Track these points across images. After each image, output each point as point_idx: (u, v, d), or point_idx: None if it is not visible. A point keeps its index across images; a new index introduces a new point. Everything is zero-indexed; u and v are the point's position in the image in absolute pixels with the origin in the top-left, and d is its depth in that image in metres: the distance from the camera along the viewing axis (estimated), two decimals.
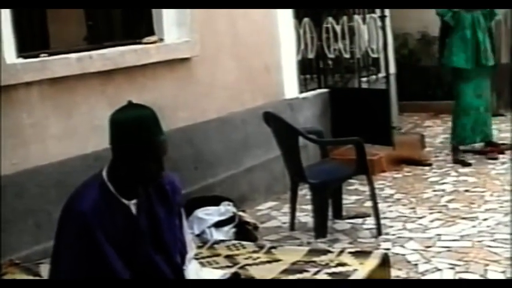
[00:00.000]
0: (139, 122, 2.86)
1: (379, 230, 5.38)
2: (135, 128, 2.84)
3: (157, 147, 2.87)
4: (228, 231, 5.10)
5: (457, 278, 4.48)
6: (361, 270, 3.69)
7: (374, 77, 8.40)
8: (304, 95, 7.25)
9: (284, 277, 3.64)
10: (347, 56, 7.98)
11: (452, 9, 7.22)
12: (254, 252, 4.09)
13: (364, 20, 8.07)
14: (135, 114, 2.89)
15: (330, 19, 7.71)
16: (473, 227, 5.42)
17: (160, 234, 3.03)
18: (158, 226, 3.03)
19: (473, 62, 7.32)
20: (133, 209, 2.97)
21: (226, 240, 4.55)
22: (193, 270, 3.23)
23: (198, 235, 4.95)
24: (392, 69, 8.75)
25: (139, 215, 2.97)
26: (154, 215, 3.02)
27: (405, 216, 5.81)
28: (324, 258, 3.90)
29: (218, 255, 4.06)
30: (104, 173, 2.96)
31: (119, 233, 2.89)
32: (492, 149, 7.65)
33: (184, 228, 3.26)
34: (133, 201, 2.97)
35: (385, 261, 3.87)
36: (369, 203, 5.73)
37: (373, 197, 5.45)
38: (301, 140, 5.48)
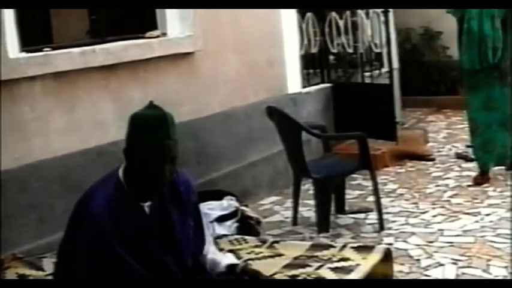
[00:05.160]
0: (146, 121, 2.86)
1: (381, 225, 5.39)
2: (141, 127, 2.85)
3: (161, 150, 2.84)
4: (231, 225, 5.10)
5: (459, 273, 4.47)
6: (363, 265, 3.69)
7: (377, 71, 8.38)
8: (307, 89, 7.25)
9: (287, 272, 3.64)
10: (350, 50, 7.98)
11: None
12: (257, 246, 4.09)
13: (367, 14, 8.05)
14: (145, 114, 2.89)
15: (333, 14, 7.70)
16: (476, 222, 5.42)
17: (173, 236, 3.02)
18: (171, 228, 3.01)
19: (479, 61, 6.21)
20: (147, 210, 2.96)
21: (228, 235, 4.54)
22: (211, 252, 3.25)
23: None
24: (395, 64, 8.72)
25: (153, 217, 2.97)
26: (167, 217, 3.01)
27: (408, 211, 5.80)
28: (326, 253, 3.90)
29: (221, 249, 4.04)
30: (120, 173, 2.94)
31: (131, 233, 2.88)
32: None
33: (203, 224, 3.25)
34: (148, 202, 2.96)
35: (387, 256, 3.87)
36: (371, 198, 5.73)
37: (375, 191, 5.45)
38: (304, 134, 5.47)
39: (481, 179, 6.42)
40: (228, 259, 3.32)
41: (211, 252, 3.28)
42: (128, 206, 2.90)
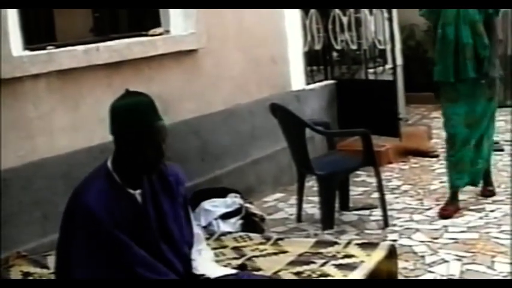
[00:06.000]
0: (135, 108, 2.90)
1: (386, 222, 5.38)
2: (130, 114, 2.88)
3: (154, 133, 2.88)
4: (235, 223, 5.10)
5: (464, 269, 4.47)
6: (368, 261, 3.69)
7: (381, 68, 8.37)
8: (310, 86, 7.25)
9: (291, 269, 3.64)
10: (354, 47, 7.96)
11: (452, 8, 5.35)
12: (261, 244, 4.09)
13: (370, 11, 8.05)
14: (130, 101, 2.93)
15: (337, 10, 7.69)
16: (480, 218, 5.41)
17: (166, 223, 3.03)
18: (163, 216, 3.03)
19: (454, 73, 5.41)
20: (139, 199, 2.97)
21: (233, 232, 4.55)
22: (203, 259, 3.21)
23: (204, 227, 4.95)
24: (399, 60, 8.73)
25: (145, 204, 2.98)
26: (159, 205, 3.03)
27: (412, 208, 5.80)
28: (330, 249, 3.90)
29: (225, 247, 4.06)
30: (109, 164, 2.97)
31: (126, 223, 2.89)
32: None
33: (191, 220, 3.25)
34: (138, 191, 2.98)
35: (392, 253, 3.86)
36: (376, 195, 5.72)
37: (380, 188, 5.44)
38: (308, 131, 5.47)
39: (450, 209, 5.57)
40: (208, 270, 3.18)
41: (196, 251, 3.24)
42: (119, 195, 2.92)
